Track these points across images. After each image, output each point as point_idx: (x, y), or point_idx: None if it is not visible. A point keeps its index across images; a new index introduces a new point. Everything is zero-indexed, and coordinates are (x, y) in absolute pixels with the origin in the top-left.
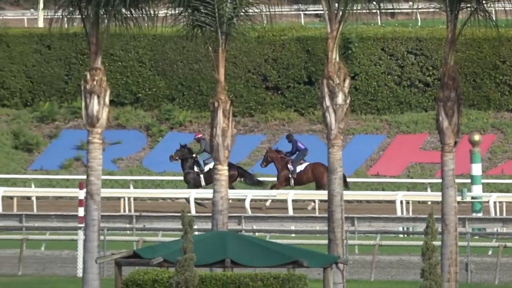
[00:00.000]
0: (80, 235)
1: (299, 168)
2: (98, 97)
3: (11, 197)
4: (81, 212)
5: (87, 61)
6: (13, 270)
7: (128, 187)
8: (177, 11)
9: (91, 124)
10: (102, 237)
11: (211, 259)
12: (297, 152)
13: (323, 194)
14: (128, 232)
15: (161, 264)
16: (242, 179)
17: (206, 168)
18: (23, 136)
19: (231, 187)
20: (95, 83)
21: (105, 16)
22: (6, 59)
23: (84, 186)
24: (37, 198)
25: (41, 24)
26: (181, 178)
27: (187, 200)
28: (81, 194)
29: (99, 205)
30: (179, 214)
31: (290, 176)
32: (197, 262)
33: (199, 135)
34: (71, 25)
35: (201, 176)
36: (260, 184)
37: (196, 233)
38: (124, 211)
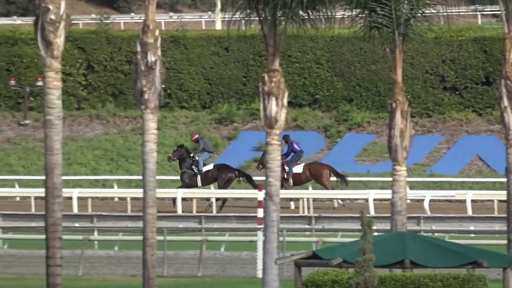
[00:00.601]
0: (260, 236)
1: (297, 169)
2: (276, 98)
3: (191, 199)
4: (260, 213)
5: (265, 63)
6: (193, 271)
7: (307, 188)
8: (354, 13)
9: (269, 126)
10: (281, 238)
11: (391, 260)
12: (292, 154)
13: (501, 194)
14: (307, 233)
15: (341, 264)
16: (241, 178)
17: (204, 169)
18: None
19: (225, 188)
20: (273, 84)
21: (282, 18)
22: (185, 61)
23: (263, 187)
24: (216, 199)
25: (218, 26)
26: (362, 179)
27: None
28: (260, 195)
29: (278, 206)
30: (358, 215)
31: (285, 177)
32: (376, 262)
33: (196, 136)
34: (249, 27)
35: (198, 176)
36: (254, 185)
37: (375, 233)
38: (303, 212)
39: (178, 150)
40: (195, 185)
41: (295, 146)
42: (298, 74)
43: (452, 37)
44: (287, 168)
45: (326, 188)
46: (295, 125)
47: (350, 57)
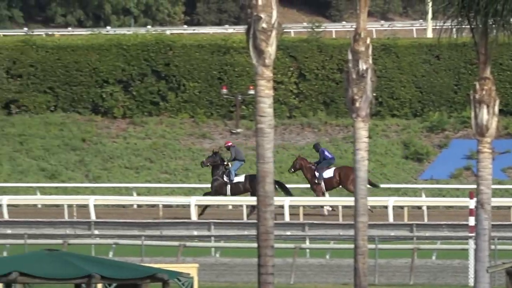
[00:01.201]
0: (471, 245)
1: (327, 173)
2: (487, 106)
3: (402, 207)
4: (471, 221)
5: (476, 71)
6: (404, 279)
7: None
8: None
9: (480, 134)
10: (493, 247)
11: None
12: (324, 161)
13: None
14: None
15: None
16: (277, 187)
17: (235, 180)
18: (413, 146)
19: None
20: (484, 92)
21: (493, 26)
22: (396, 69)
23: (474, 196)
24: (428, 207)
25: (430, 34)
26: None
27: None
28: (472, 203)
29: (490, 215)
30: None
31: (316, 182)
32: None
33: (229, 143)
34: (460, 35)
35: (228, 186)
36: (288, 193)
37: None
38: None
39: (212, 156)
40: (224, 194)
41: (327, 153)
42: (510, 82)
43: None
44: (317, 174)
45: (350, 192)
46: (506, 133)
47: None
